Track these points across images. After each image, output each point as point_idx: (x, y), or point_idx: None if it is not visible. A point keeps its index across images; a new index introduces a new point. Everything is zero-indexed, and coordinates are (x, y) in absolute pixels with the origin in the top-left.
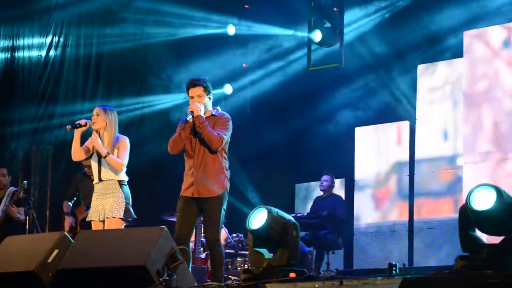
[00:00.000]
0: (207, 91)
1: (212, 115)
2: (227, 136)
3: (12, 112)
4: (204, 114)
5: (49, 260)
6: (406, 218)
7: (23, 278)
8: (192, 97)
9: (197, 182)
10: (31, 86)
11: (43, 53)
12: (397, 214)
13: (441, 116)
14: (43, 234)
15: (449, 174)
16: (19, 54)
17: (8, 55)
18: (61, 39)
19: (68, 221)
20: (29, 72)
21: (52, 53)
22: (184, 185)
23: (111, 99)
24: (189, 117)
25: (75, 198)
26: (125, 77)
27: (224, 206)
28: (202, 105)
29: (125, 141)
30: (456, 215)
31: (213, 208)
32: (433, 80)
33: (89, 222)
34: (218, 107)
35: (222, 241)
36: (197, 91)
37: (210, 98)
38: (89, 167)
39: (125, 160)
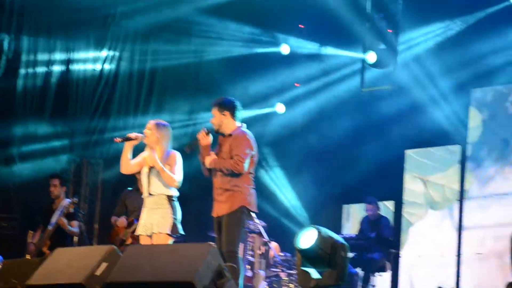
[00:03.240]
0: (220, 109)
1: (230, 134)
2: (244, 156)
3: (65, 125)
4: (221, 129)
5: (98, 273)
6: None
7: None
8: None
9: (216, 201)
10: (85, 99)
11: (98, 67)
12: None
13: None
14: (92, 247)
15: None
16: (74, 67)
17: (64, 68)
18: (116, 54)
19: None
20: (83, 86)
21: (106, 67)
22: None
23: (163, 114)
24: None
25: (123, 216)
26: (178, 93)
27: (242, 222)
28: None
29: (176, 157)
30: None
31: (227, 223)
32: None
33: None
34: (244, 125)
35: (270, 258)
36: (212, 111)
37: (225, 115)
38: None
39: (179, 176)
